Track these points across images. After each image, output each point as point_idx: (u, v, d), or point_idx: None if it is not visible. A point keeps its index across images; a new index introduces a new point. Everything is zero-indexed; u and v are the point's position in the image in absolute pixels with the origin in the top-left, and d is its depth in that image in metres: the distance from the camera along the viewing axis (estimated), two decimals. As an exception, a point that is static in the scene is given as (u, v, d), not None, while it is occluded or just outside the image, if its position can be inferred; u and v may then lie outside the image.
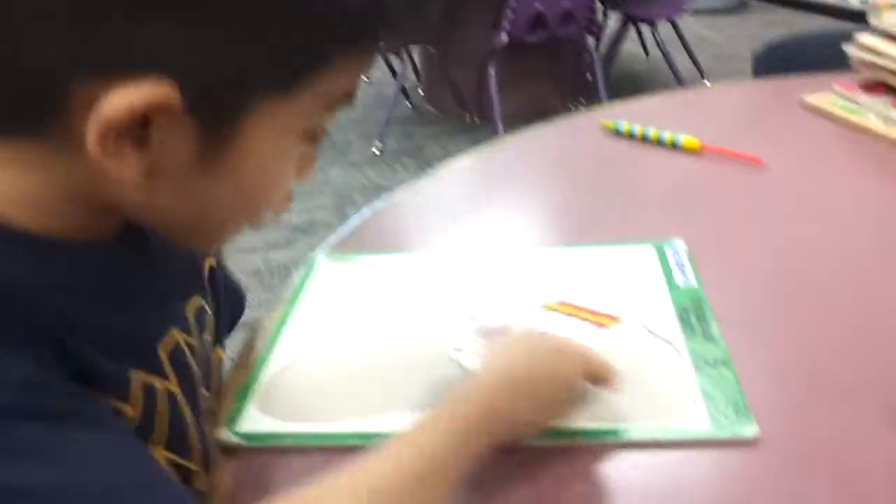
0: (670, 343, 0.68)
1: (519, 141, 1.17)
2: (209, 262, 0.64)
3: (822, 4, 4.81)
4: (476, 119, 3.32)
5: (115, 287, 0.51)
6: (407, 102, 3.53)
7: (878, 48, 1.15)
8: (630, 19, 3.49)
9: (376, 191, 2.79)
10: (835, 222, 0.90)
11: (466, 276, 0.80)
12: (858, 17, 1.34)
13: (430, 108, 3.57)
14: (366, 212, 0.96)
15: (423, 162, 3.04)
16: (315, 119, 0.49)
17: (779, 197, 0.96)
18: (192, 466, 0.55)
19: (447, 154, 2.59)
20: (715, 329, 0.69)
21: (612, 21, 3.67)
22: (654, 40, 3.62)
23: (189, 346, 0.56)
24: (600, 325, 0.71)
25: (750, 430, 0.58)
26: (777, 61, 1.73)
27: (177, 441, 0.53)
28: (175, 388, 0.53)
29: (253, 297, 2.26)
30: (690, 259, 0.80)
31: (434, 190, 1.04)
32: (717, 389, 0.62)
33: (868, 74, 1.18)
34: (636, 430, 0.59)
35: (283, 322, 0.74)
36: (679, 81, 3.52)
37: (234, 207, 0.50)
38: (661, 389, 0.63)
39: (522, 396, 0.56)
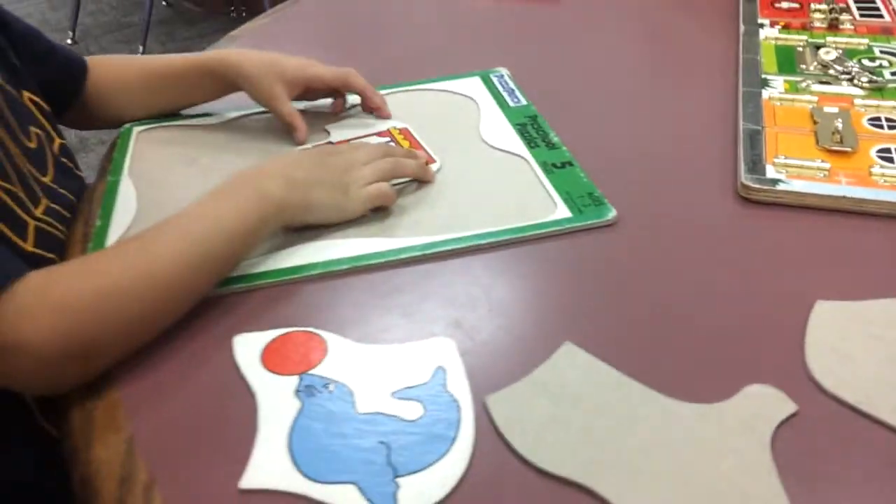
0: (518, 155, 0.70)
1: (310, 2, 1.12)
2: None
3: None
4: (243, 13, 3.15)
5: None
6: (164, 2, 3.28)
7: None
8: None
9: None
10: (628, 37, 0.96)
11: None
12: None
13: (190, 5, 3.34)
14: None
15: (193, 63, 2.85)
16: None
17: (577, 28, 0.99)
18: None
19: (221, 49, 2.45)
20: (555, 137, 0.72)
21: None
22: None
23: None
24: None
25: (609, 213, 0.62)
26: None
27: None
28: None
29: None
30: (516, 83, 0.82)
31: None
32: (570, 186, 0.65)
33: None
34: (503, 231, 0.61)
35: (112, 191, 0.68)
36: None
37: None
38: (520, 195, 0.65)
39: (295, 188, 0.60)
